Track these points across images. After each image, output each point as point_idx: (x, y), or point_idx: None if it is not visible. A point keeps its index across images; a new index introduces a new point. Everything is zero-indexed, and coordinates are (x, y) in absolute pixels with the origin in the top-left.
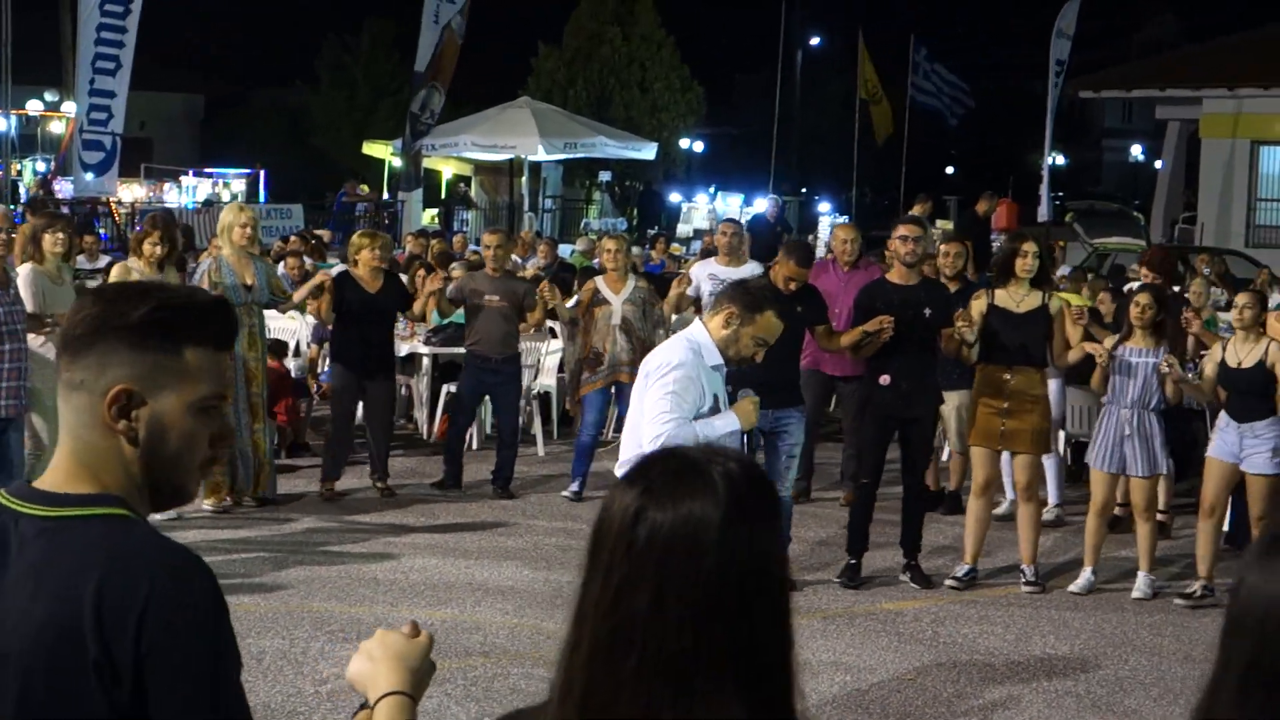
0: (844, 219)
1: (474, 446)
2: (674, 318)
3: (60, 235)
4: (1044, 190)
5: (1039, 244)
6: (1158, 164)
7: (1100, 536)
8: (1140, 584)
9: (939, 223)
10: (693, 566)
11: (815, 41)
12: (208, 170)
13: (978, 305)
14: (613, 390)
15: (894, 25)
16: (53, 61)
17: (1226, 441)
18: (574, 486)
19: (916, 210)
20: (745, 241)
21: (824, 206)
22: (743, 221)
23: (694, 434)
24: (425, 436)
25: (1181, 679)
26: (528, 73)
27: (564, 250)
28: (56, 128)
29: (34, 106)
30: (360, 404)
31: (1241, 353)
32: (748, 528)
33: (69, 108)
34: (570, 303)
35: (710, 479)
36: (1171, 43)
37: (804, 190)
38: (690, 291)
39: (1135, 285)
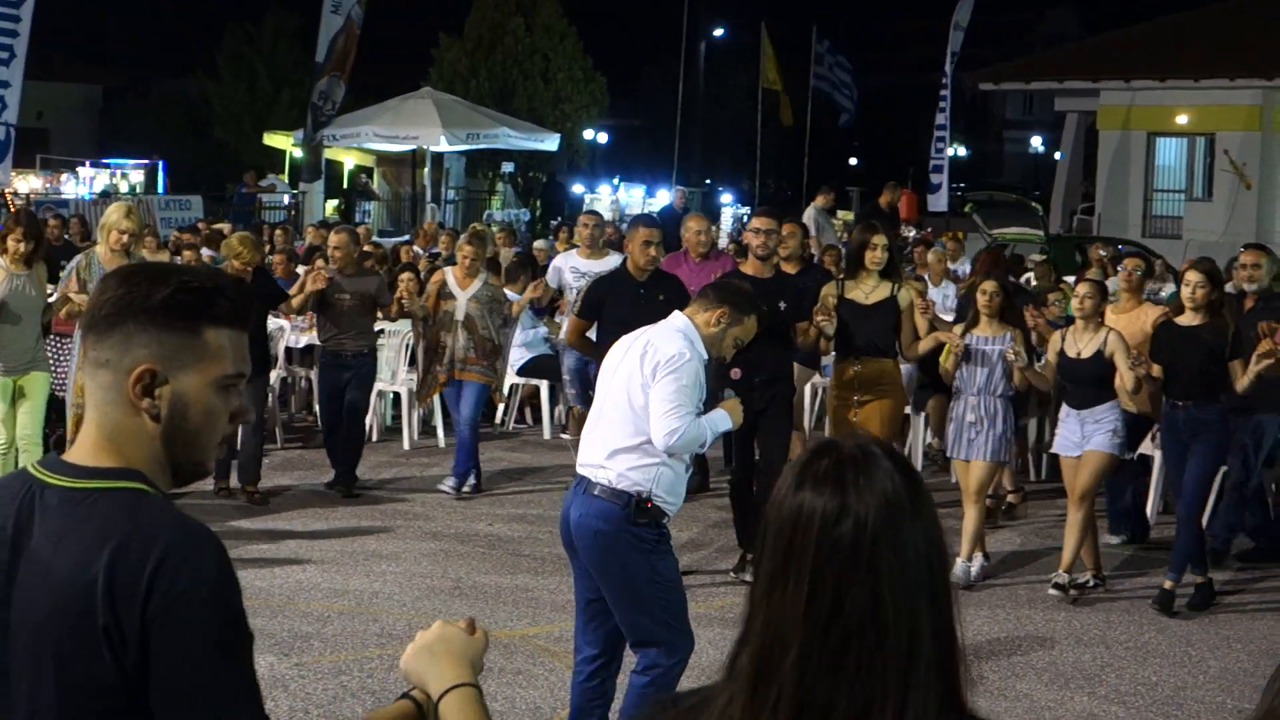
0: (746, 209)
1: (373, 439)
2: (524, 316)
3: None
4: (944, 180)
5: (889, 236)
6: (1057, 155)
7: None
8: (958, 570)
9: (840, 214)
10: (901, 551)
11: (718, 33)
12: (105, 161)
13: (829, 299)
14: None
15: (796, 17)
16: None
17: (1069, 434)
18: (461, 480)
19: (819, 202)
20: (605, 233)
21: (726, 198)
22: (652, 213)
23: (704, 429)
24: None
25: (1073, 664)
26: (429, 63)
27: None
28: None
29: None
30: None
31: (1081, 342)
32: (927, 503)
33: None
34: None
35: (884, 462)
36: (1072, 36)
37: (707, 181)
38: (551, 282)
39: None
